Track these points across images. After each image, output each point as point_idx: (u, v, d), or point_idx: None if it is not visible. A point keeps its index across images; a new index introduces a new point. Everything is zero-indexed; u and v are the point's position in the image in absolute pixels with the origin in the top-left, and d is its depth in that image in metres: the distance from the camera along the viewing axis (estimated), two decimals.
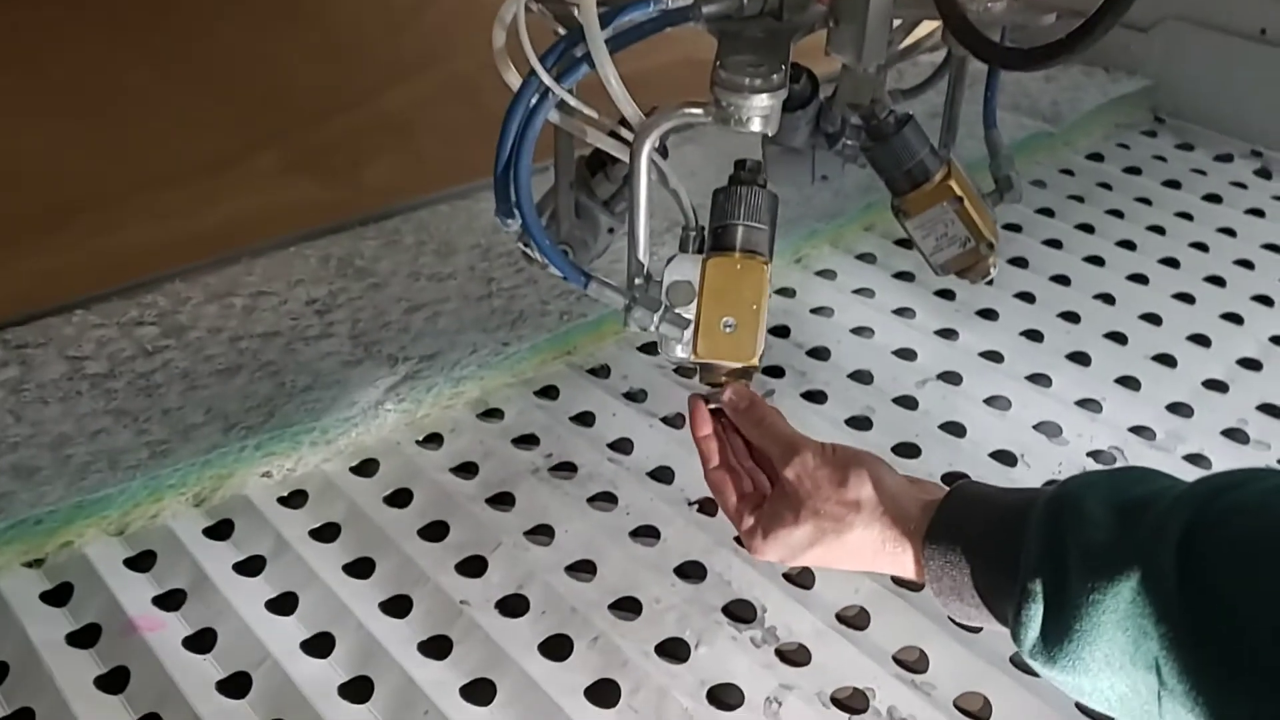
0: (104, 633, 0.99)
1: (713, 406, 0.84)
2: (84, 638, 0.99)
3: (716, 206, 0.82)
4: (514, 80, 0.83)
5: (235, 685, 0.95)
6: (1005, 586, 0.68)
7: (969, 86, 1.00)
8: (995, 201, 0.99)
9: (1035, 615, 0.66)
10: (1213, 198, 1.71)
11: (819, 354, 1.35)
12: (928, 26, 0.96)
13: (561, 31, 0.83)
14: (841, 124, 0.95)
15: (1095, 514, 0.65)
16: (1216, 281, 1.51)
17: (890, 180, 0.96)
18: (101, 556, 1.05)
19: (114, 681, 0.95)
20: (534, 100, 0.82)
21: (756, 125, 0.78)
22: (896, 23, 0.88)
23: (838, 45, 0.86)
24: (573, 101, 0.82)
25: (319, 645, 0.99)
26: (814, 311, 1.42)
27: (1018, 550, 0.67)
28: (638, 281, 0.82)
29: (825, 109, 0.94)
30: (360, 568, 1.07)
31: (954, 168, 0.95)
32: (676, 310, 0.81)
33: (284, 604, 1.03)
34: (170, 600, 1.03)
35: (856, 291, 1.47)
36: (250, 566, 1.06)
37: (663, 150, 0.83)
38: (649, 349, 1.34)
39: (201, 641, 0.99)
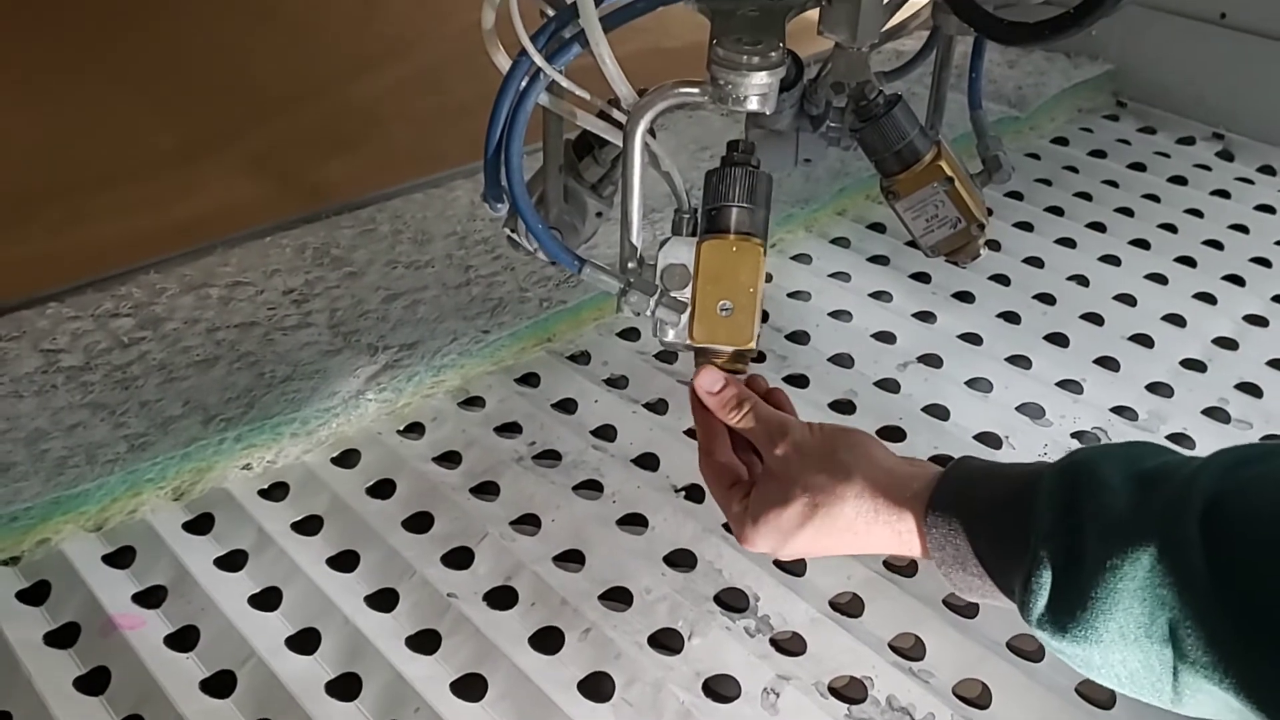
0: (83, 632, 0.97)
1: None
2: (62, 637, 0.97)
3: (710, 188, 0.80)
4: (503, 62, 0.81)
5: (219, 684, 0.94)
6: (1013, 554, 0.66)
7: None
8: (984, 182, 0.99)
9: (1045, 583, 0.63)
10: (1178, 179, 1.72)
11: (798, 338, 1.35)
12: (915, 4, 0.95)
13: (550, 13, 0.81)
14: (825, 106, 0.94)
15: (1112, 481, 0.63)
16: (1187, 262, 1.51)
17: (880, 161, 0.95)
18: (79, 553, 1.03)
19: (94, 682, 0.93)
20: (523, 83, 0.80)
21: (754, 104, 0.76)
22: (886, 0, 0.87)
23: (831, 24, 0.85)
24: (564, 83, 0.80)
25: (305, 641, 0.98)
26: (791, 295, 1.42)
27: (1027, 517, 0.65)
28: (631, 265, 0.80)
29: (809, 91, 0.93)
30: (344, 561, 1.05)
31: (943, 148, 0.95)
32: (672, 294, 0.79)
33: (267, 599, 1.01)
34: (150, 597, 1.01)
35: (833, 275, 1.46)
36: (232, 561, 1.05)
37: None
38: (629, 335, 1.34)
39: (183, 640, 0.97)
